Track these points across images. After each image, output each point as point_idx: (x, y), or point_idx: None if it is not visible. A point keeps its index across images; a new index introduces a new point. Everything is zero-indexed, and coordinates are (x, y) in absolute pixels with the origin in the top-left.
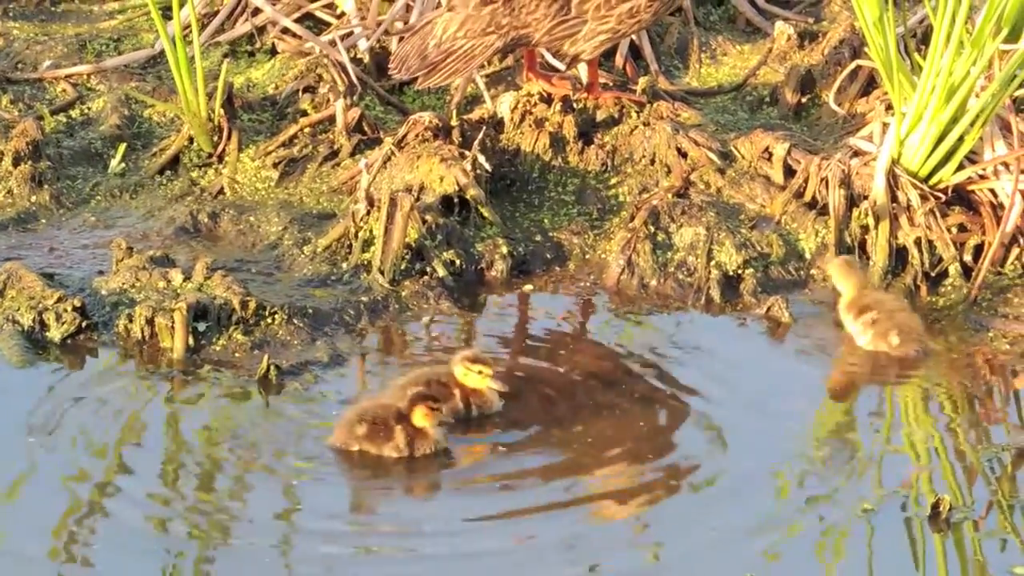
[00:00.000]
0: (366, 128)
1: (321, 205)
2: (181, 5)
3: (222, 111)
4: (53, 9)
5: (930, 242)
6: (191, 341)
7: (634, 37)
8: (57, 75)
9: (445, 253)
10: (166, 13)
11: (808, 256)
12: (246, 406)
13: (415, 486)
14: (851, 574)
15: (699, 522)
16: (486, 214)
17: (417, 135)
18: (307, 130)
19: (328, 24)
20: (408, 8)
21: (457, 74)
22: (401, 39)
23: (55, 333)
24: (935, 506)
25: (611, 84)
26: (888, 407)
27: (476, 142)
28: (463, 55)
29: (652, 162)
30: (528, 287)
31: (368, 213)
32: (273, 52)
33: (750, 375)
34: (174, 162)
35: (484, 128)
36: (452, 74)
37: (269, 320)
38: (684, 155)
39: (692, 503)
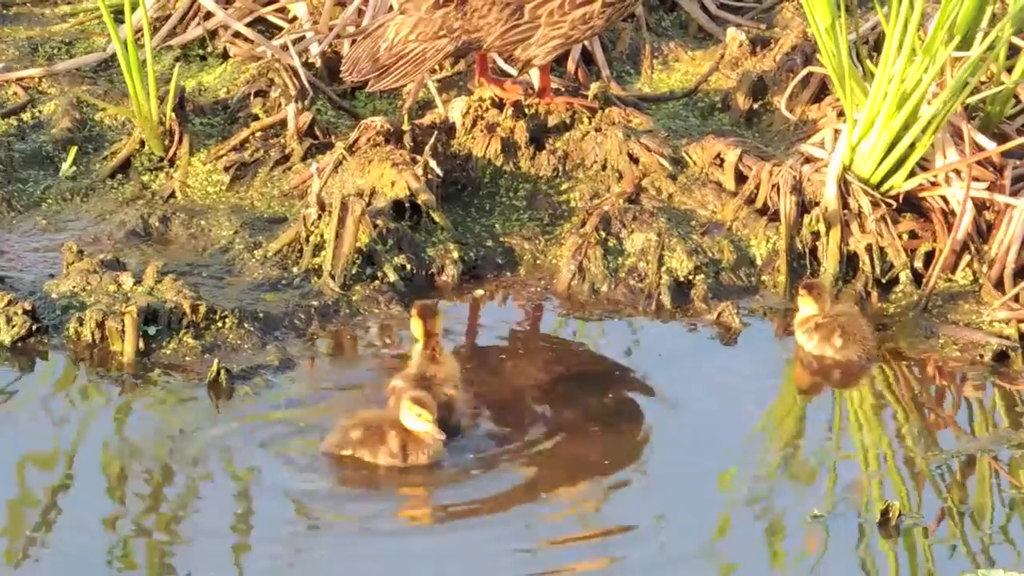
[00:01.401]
0: (317, 132)
1: (272, 209)
2: (133, 9)
3: (173, 115)
4: (5, 12)
5: (881, 249)
6: (141, 345)
7: (586, 43)
8: (8, 78)
9: (396, 258)
10: (118, 17)
11: (759, 262)
12: (196, 409)
13: (369, 491)
14: None
15: (645, 528)
16: (437, 219)
17: (369, 140)
18: (258, 134)
19: (280, 28)
20: (360, 12)
21: (408, 77)
22: (354, 42)
23: (5, 336)
24: (884, 512)
25: (563, 89)
26: (838, 413)
27: (428, 147)
28: (414, 58)
29: (603, 168)
30: (479, 292)
31: (319, 217)
32: (225, 56)
33: (700, 381)
34: (125, 166)
35: (436, 133)
36: (403, 77)
37: (219, 324)
38: (636, 161)
39: (639, 509)
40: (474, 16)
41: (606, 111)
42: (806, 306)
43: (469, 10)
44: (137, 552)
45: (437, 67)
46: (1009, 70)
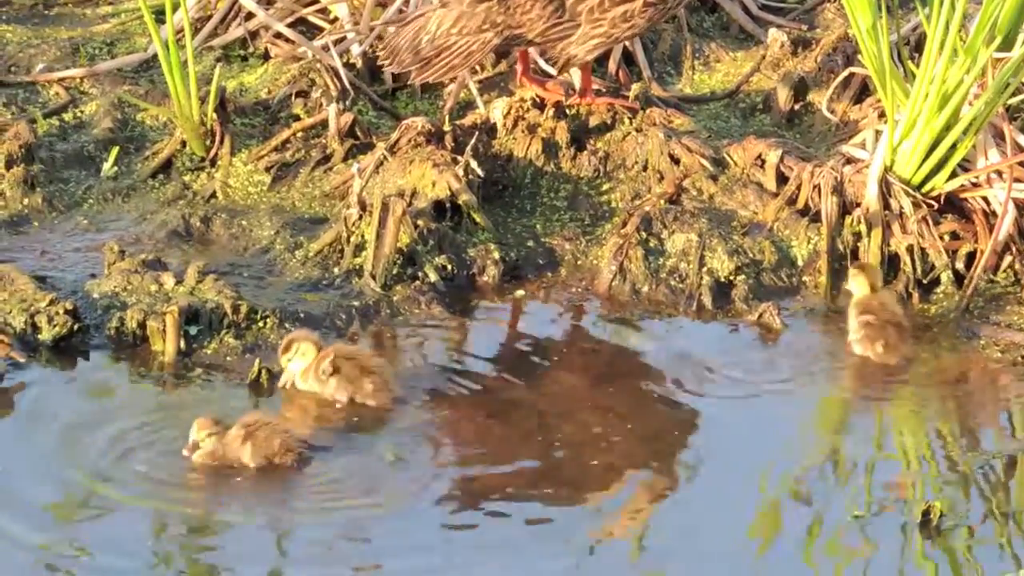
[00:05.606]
0: (359, 133)
1: (313, 210)
2: (174, 9)
3: (215, 115)
4: (46, 13)
5: (922, 249)
6: (183, 344)
7: (627, 43)
8: (50, 78)
9: (437, 258)
10: (159, 17)
11: (800, 263)
12: (236, 410)
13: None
14: None
15: (688, 527)
16: (478, 219)
17: (410, 140)
18: (299, 135)
19: (321, 29)
20: (401, 12)
21: (454, 70)
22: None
23: (47, 335)
24: (926, 513)
25: (604, 90)
26: (879, 414)
27: (469, 147)
28: (460, 51)
29: (644, 168)
30: (520, 293)
31: (360, 218)
32: (266, 57)
33: (741, 382)
34: (167, 166)
35: (477, 133)
36: (449, 70)
37: (261, 324)
38: (677, 161)
39: (682, 508)
40: (517, 11)
41: (647, 112)
42: (859, 287)
43: (512, 5)
44: (173, 549)
45: (478, 67)
46: None
